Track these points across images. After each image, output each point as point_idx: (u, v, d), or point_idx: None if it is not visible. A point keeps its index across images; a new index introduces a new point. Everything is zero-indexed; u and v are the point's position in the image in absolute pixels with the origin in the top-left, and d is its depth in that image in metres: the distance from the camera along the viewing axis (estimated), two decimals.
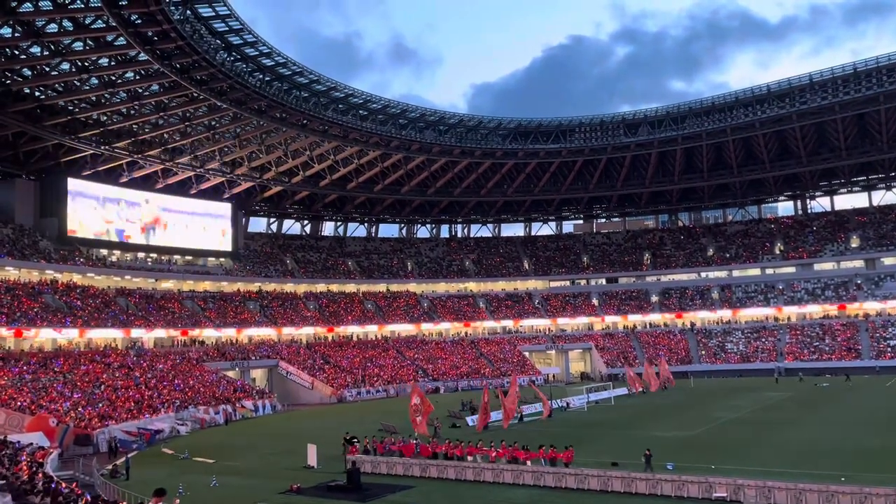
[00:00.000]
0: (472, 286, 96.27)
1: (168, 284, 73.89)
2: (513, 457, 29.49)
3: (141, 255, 74.21)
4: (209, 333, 69.53)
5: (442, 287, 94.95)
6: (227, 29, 56.26)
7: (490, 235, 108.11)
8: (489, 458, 29.82)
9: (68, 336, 56.77)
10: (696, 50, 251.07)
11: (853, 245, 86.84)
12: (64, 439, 37.44)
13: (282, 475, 29.88)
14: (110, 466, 32.28)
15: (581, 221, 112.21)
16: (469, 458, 30.32)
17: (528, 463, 28.69)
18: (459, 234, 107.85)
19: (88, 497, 19.02)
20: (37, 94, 57.55)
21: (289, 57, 62.73)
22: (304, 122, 71.11)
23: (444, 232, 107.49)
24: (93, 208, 68.17)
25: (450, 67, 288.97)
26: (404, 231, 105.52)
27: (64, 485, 21.78)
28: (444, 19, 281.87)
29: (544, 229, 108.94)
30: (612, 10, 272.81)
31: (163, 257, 75.85)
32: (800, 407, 48.11)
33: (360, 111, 75.01)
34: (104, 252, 70.18)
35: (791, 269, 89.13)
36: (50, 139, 61.31)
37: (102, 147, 65.23)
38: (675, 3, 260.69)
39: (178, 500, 22.60)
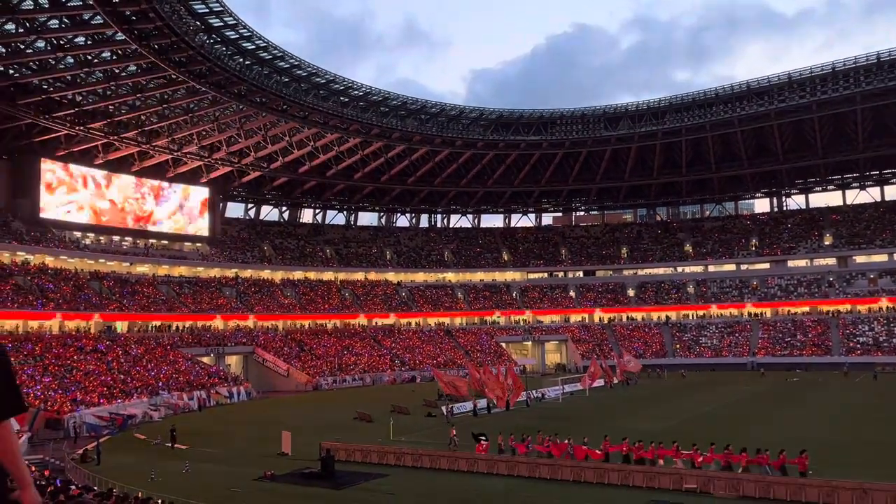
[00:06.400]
0: (450, 276, 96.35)
1: (143, 269, 73.01)
2: (728, 462, 24.14)
3: (115, 238, 73.24)
4: (184, 319, 68.87)
5: (420, 277, 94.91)
6: (207, 10, 55.53)
7: (470, 226, 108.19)
8: (694, 464, 24.69)
9: (40, 319, 55.92)
10: (706, 40, 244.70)
11: (826, 243, 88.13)
12: (34, 423, 37.00)
13: (256, 462, 29.77)
14: (81, 451, 31.95)
15: (560, 214, 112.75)
16: (660, 462, 25.69)
17: (749, 470, 23.75)
18: (439, 224, 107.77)
19: (59, 482, 18.78)
20: (10, 72, 56.32)
21: (270, 41, 62.14)
22: (285, 107, 70.42)
23: (424, 221, 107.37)
24: (67, 190, 67.09)
25: (456, 51, 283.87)
26: (383, 220, 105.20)
27: (34, 469, 21.49)
28: (461, 1, 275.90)
29: (523, 221, 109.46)
30: None
31: (138, 241, 74.93)
32: (771, 401, 48.89)
33: (342, 98, 74.53)
34: (78, 234, 69.15)
35: (765, 266, 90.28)
36: (23, 118, 60.06)
37: (77, 128, 64.06)
38: None
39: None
